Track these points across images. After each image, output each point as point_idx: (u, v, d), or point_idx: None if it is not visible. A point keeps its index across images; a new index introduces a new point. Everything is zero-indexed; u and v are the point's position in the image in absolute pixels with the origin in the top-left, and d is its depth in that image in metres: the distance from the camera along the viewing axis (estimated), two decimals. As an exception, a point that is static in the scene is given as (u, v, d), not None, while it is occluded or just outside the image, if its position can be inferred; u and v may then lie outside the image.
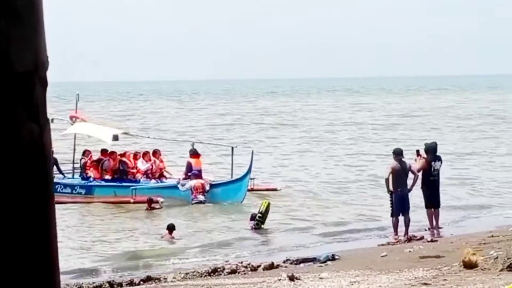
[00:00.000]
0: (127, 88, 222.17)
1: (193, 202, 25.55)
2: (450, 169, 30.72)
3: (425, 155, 20.14)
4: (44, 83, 2.19)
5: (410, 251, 16.85)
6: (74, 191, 26.89)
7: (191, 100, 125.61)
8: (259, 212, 21.62)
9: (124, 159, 27.46)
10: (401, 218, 19.57)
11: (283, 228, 22.26)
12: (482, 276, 12.96)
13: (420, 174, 19.91)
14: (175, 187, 26.16)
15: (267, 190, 27.46)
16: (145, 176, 27.17)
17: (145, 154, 27.61)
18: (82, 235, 21.78)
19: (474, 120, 65.29)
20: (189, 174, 26.27)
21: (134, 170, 27.27)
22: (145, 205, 25.00)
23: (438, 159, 20.23)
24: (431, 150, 20.13)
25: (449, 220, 22.30)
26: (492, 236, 17.93)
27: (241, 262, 16.22)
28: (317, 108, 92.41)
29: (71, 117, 28.95)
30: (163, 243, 20.43)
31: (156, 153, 27.74)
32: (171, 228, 20.78)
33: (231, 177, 26.69)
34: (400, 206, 19.35)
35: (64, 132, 28.32)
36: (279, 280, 13.88)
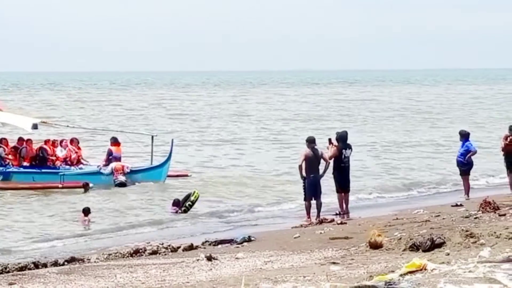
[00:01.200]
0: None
1: (116, 183, 27.08)
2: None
3: (336, 143, 21.10)
4: None
5: (321, 233, 17.60)
6: None
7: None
8: (189, 201, 22.68)
9: (45, 146, 28.22)
10: (313, 202, 20.51)
11: (202, 211, 23.15)
12: (387, 255, 13.61)
13: (331, 161, 20.90)
14: (98, 172, 27.46)
15: (178, 176, 28.59)
16: (64, 163, 28.07)
17: (62, 141, 28.69)
18: (4, 217, 22.24)
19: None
20: (110, 158, 27.70)
21: (54, 157, 28.08)
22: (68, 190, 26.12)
23: (349, 147, 21.23)
24: (342, 139, 21.10)
25: (357, 203, 23.48)
26: (397, 218, 18.79)
27: (162, 244, 16.89)
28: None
29: None
30: (80, 226, 21.06)
31: (73, 141, 28.84)
32: (86, 211, 21.53)
33: (151, 163, 28.25)
34: (311, 190, 20.25)
35: None
36: (198, 260, 14.48)
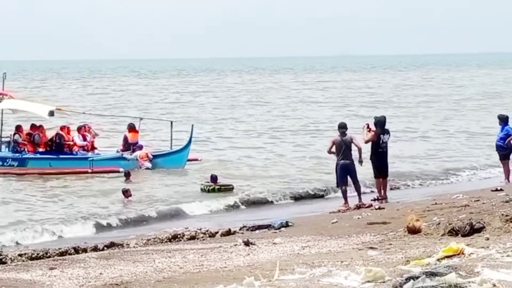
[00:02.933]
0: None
1: (142, 168, 28.01)
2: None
3: (374, 128, 21.03)
4: None
5: (358, 218, 17.60)
6: (5, 163, 27.92)
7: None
8: (223, 186, 23.52)
9: (61, 132, 28.83)
10: (351, 188, 20.51)
11: (240, 196, 23.32)
12: (425, 240, 13.58)
13: (369, 145, 20.85)
14: (122, 157, 28.28)
15: (190, 160, 29.01)
16: (81, 149, 28.78)
17: (80, 128, 29.28)
18: (42, 203, 22.57)
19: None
20: (134, 147, 28.68)
21: (71, 143, 28.66)
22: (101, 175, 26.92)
23: (387, 132, 21.14)
24: (380, 124, 21.01)
25: (395, 188, 23.43)
26: (436, 203, 18.66)
27: (200, 229, 16.98)
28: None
29: None
30: (123, 209, 21.29)
31: (85, 127, 29.41)
32: (126, 191, 21.84)
33: (171, 148, 29.16)
34: (342, 176, 20.25)
35: None
36: (235, 245, 14.58)
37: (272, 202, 22.79)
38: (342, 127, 20.33)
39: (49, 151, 28.44)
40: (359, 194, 20.48)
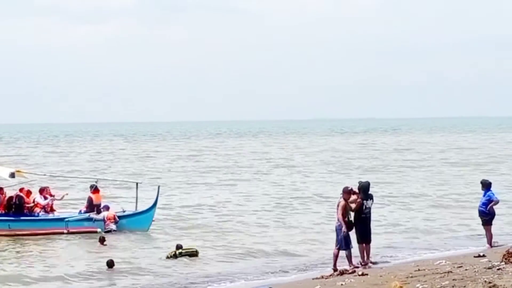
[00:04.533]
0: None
1: (106, 229, 28.25)
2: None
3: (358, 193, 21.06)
4: None
5: (342, 284, 17.49)
6: None
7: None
8: (184, 251, 23.38)
9: (21, 194, 29.09)
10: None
11: (221, 258, 23.26)
12: (408, 308, 13.74)
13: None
14: (89, 218, 28.67)
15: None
16: (43, 210, 29.08)
17: (42, 190, 29.62)
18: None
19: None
20: (101, 208, 29.11)
21: (31, 205, 28.95)
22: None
23: (370, 197, 21.18)
24: (363, 189, 21.05)
25: (379, 254, 23.33)
26: (419, 270, 18.60)
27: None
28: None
29: None
30: (107, 276, 21.10)
31: (46, 189, 29.82)
32: (110, 264, 21.62)
33: (135, 209, 29.43)
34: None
35: None
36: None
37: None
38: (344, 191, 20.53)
39: (7, 213, 28.57)
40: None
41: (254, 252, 24.40)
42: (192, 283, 20.23)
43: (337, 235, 20.46)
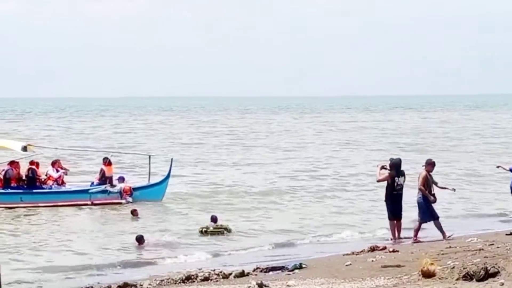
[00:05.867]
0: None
1: (123, 202, 28.78)
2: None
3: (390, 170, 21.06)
4: None
5: (372, 261, 17.53)
6: None
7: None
8: (218, 228, 23.32)
9: (33, 167, 29.24)
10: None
11: (254, 233, 23.38)
12: (439, 285, 13.53)
13: (384, 188, 20.96)
14: (105, 190, 29.08)
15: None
16: (55, 182, 29.35)
17: (54, 162, 29.93)
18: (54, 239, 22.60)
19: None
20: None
21: (44, 177, 29.19)
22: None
23: (402, 174, 21.16)
24: (395, 166, 21.04)
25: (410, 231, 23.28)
26: (450, 247, 18.58)
27: (214, 270, 16.95)
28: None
29: None
30: (134, 248, 21.29)
31: (58, 162, 30.27)
32: (139, 239, 21.76)
33: (148, 181, 30.01)
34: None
35: None
36: (249, 287, 14.60)
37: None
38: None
39: (20, 186, 28.84)
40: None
41: (285, 229, 24.45)
42: (223, 259, 20.35)
43: (419, 208, 20.54)
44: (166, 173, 30.12)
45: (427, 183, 20.48)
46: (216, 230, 23.31)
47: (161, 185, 29.66)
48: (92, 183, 29.74)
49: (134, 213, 26.40)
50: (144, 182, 30.29)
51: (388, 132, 75.02)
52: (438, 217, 20.77)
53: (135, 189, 29.35)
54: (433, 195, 20.60)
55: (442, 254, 17.45)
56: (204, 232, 23.28)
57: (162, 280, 16.30)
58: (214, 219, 23.85)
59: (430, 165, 20.68)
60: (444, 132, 74.85)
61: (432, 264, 14.72)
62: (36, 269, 18.92)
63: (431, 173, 20.67)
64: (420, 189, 20.50)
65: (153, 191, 29.45)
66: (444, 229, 21.14)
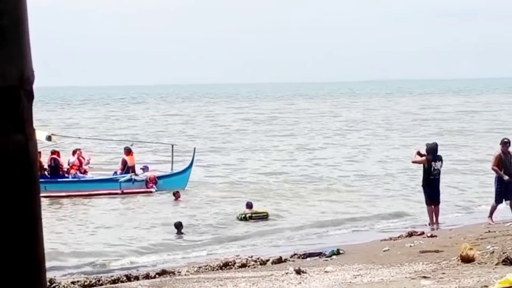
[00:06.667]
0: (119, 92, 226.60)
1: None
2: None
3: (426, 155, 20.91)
4: (30, 96, 2.29)
5: (410, 246, 17.44)
6: None
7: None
8: (255, 213, 23.25)
9: (55, 156, 29.42)
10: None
11: (291, 219, 23.32)
12: (479, 269, 13.40)
13: (421, 173, 20.82)
14: (131, 179, 29.26)
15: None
16: (78, 171, 29.58)
17: (75, 152, 30.16)
18: (85, 229, 22.76)
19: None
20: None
21: (67, 166, 29.47)
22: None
23: (439, 159, 20.99)
24: (432, 150, 20.88)
25: (448, 215, 23.14)
26: (489, 231, 18.48)
27: (251, 257, 16.97)
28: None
29: None
30: (172, 235, 21.37)
31: (80, 151, 30.44)
32: (178, 226, 21.81)
33: (171, 170, 30.26)
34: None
35: None
36: (287, 273, 14.50)
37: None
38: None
39: (43, 175, 28.76)
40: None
41: (322, 215, 24.43)
42: (261, 245, 20.37)
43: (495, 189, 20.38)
44: (189, 162, 30.35)
45: (503, 163, 20.05)
46: (254, 215, 23.34)
47: (184, 173, 29.88)
48: (115, 172, 29.94)
49: (176, 195, 26.46)
50: (167, 171, 30.52)
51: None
52: (502, 201, 20.28)
53: (158, 178, 29.55)
54: (509, 174, 20.06)
55: (481, 238, 17.30)
56: (242, 218, 23.31)
57: (200, 267, 16.33)
58: (249, 206, 23.91)
59: (503, 144, 20.25)
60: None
61: (471, 249, 14.60)
62: (74, 254, 19.05)
63: (506, 152, 20.17)
64: (492, 169, 20.21)
65: (176, 179, 29.63)
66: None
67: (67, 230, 22.32)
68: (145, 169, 29.72)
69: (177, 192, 26.80)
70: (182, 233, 21.59)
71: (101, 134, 55.33)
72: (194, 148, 31.61)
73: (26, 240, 2.23)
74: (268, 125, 67.48)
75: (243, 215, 23.40)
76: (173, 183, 29.34)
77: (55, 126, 55.38)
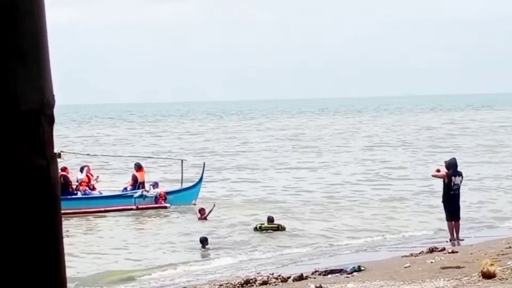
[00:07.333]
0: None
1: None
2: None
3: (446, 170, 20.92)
4: (50, 120, 2.29)
5: (431, 262, 17.40)
6: None
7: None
8: (270, 226, 23.80)
9: (64, 173, 29.33)
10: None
11: (311, 235, 23.40)
12: (500, 286, 13.37)
13: (441, 188, 20.83)
14: (142, 195, 29.39)
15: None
16: (88, 188, 29.70)
17: (82, 168, 30.28)
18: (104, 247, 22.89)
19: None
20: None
21: (76, 183, 29.59)
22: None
23: (459, 174, 21.00)
24: (452, 166, 20.90)
25: (469, 231, 23.10)
26: (510, 247, 18.37)
27: (272, 274, 17.01)
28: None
29: None
30: (193, 252, 21.50)
31: (88, 168, 30.63)
32: (203, 241, 21.94)
33: (181, 185, 30.60)
34: None
35: None
36: (308, 290, 14.64)
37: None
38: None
39: None
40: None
41: (344, 230, 24.48)
42: (281, 261, 20.43)
43: None
44: (199, 178, 30.69)
45: None
46: (269, 226, 23.68)
47: (194, 189, 30.18)
48: (125, 188, 30.04)
49: (201, 212, 26.64)
50: (177, 187, 30.85)
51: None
52: None
53: (168, 193, 29.75)
54: None
55: (502, 254, 17.26)
56: (258, 228, 23.65)
57: (221, 285, 16.40)
58: (270, 220, 24.17)
59: None
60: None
61: (492, 264, 14.57)
62: (96, 271, 19.18)
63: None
64: None
65: (185, 195, 29.91)
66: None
67: (89, 249, 22.45)
68: (155, 185, 29.84)
69: (203, 209, 26.85)
70: (206, 248, 21.75)
71: (121, 150, 55.46)
72: (204, 163, 31.93)
73: (49, 261, 2.24)
74: (296, 140, 67.74)
75: (260, 225, 23.85)
76: (182, 198, 29.62)
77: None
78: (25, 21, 2.23)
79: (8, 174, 2.17)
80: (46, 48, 2.28)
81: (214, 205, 27.23)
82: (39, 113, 2.24)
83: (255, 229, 23.87)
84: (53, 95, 2.30)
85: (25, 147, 2.20)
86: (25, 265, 2.20)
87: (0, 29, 2.19)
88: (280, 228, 23.86)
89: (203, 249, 21.76)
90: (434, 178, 21.72)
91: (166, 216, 27.96)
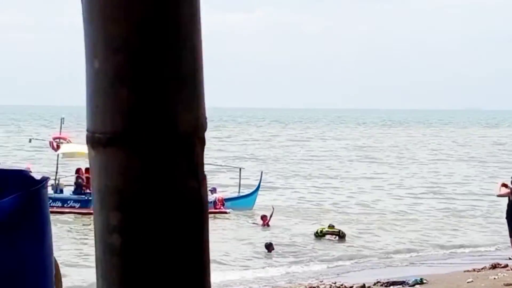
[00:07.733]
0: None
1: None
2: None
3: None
4: (202, 143, 2.32)
5: (495, 278, 17.34)
6: (66, 205, 28.89)
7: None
8: (329, 231, 24.01)
9: (78, 174, 29.74)
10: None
11: (374, 246, 23.55)
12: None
13: (506, 204, 20.69)
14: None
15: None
16: None
17: None
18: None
19: None
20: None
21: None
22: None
23: (524, 190, 20.84)
24: (518, 182, 20.76)
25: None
26: None
27: (335, 283, 17.21)
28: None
29: (54, 138, 31.96)
30: (257, 260, 21.78)
31: None
32: (269, 246, 22.26)
33: (238, 193, 31.22)
34: None
35: (58, 151, 30.94)
36: (370, 301, 14.80)
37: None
38: None
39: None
40: None
41: (406, 242, 24.54)
42: (343, 269, 20.62)
43: None
44: (256, 186, 31.10)
45: None
46: (330, 230, 23.84)
47: (251, 196, 30.63)
48: None
49: (263, 219, 26.86)
50: (235, 194, 31.42)
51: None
52: None
53: (226, 200, 30.08)
54: None
55: None
56: (319, 233, 23.86)
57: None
58: (331, 226, 24.38)
59: None
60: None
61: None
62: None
63: None
64: None
65: (242, 202, 30.33)
66: None
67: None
68: (213, 190, 29.82)
69: (265, 216, 27.09)
70: (272, 253, 22.05)
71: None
72: (261, 172, 32.36)
73: (199, 274, 2.32)
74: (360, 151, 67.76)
75: (320, 230, 24.04)
76: (239, 205, 30.00)
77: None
78: (187, 42, 2.26)
79: (164, 194, 2.26)
80: (202, 73, 2.31)
81: (273, 209, 27.50)
82: (193, 135, 2.28)
83: (316, 234, 24.01)
84: (206, 118, 2.33)
85: (180, 169, 2.26)
86: (180, 279, 2.30)
87: (166, 49, 2.23)
88: (340, 233, 23.97)
89: (268, 254, 22.04)
90: (500, 197, 21.51)
91: (226, 220, 28.22)
